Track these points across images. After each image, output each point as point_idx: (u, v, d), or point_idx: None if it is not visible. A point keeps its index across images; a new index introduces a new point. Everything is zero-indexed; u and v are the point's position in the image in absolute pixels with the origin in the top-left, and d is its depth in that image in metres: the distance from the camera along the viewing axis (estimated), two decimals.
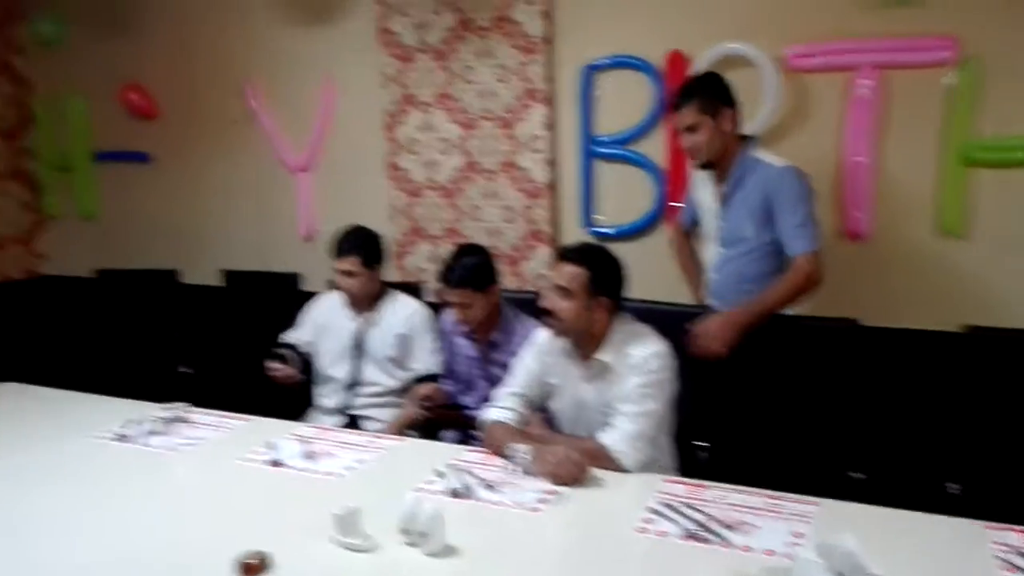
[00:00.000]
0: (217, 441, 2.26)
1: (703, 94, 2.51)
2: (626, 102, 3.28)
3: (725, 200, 2.58)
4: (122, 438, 2.26)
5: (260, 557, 1.50)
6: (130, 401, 2.58)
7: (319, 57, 3.85)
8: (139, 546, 1.67)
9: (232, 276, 3.63)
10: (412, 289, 3.03)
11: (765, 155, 2.53)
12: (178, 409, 2.31)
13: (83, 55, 4.36)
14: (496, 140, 3.53)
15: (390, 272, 3.22)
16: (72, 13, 4.30)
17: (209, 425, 2.37)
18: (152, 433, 2.27)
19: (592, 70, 3.33)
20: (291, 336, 2.90)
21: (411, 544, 1.59)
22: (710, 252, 2.71)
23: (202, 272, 3.83)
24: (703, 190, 2.70)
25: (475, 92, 3.53)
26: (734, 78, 2.69)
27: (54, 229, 4.70)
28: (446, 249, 3.49)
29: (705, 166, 2.60)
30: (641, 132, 3.27)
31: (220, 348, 3.54)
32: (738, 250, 2.58)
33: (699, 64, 3.06)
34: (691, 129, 2.50)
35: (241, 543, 1.55)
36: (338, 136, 3.89)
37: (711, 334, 2.38)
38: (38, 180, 4.65)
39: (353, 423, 2.74)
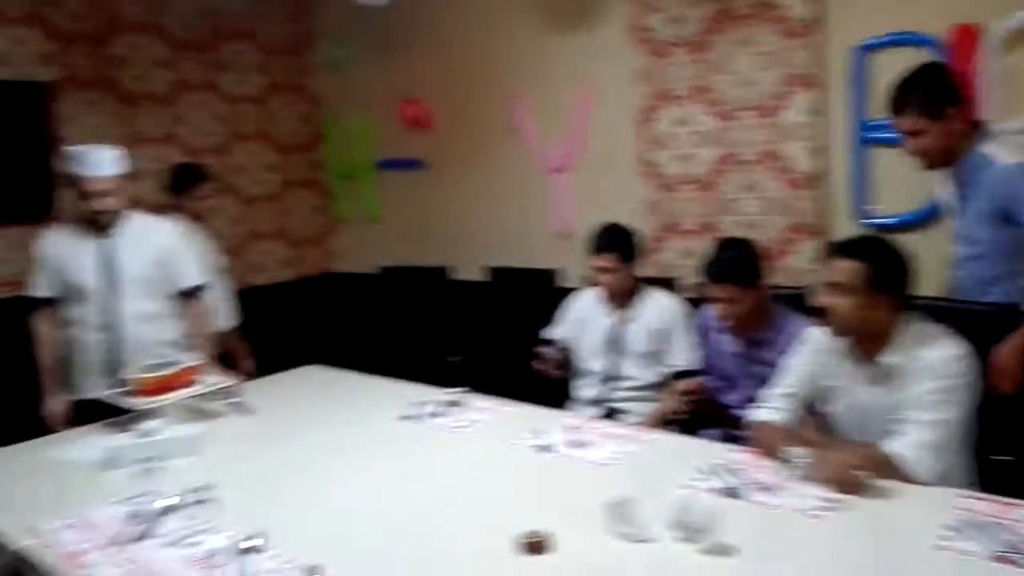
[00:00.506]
0: (491, 424, 2.42)
1: (925, 95, 2.26)
2: None
3: (960, 201, 2.34)
4: (408, 418, 2.49)
5: (543, 537, 1.58)
6: (414, 384, 2.84)
7: (576, 62, 3.96)
8: (423, 519, 1.82)
9: (496, 272, 3.86)
10: (667, 284, 3.02)
11: (997, 149, 2.23)
12: (459, 394, 2.50)
13: (366, 75, 4.86)
14: (755, 130, 3.41)
15: (644, 268, 3.23)
16: (356, 38, 4.82)
17: (483, 409, 2.54)
18: (434, 415, 2.48)
19: (865, 50, 3.09)
20: (552, 332, 3.01)
21: (684, 539, 1.59)
22: (953, 248, 2.45)
23: (469, 268, 4.11)
24: (945, 186, 2.46)
25: (732, 82, 3.43)
26: None
27: (344, 231, 5.30)
28: (700, 244, 3.44)
29: (932, 167, 2.36)
30: None
31: (486, 338, 3.78)
32: (974, 251, 2.33)
33: (991, 37, 2.73)
34: (914, 134, 2.27)
35: (516, 522, 1.64)
36: (593, 136, 3.97)
37: (999, 370, 2.14)
38: (328, 188, 5.26)
39: (611, 415, 2.79)
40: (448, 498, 1.93)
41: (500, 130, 4.31)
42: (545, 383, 2.87)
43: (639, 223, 3.54)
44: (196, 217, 3.59)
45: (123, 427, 2.39)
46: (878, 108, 3.10)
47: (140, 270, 2.74)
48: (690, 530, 1.58)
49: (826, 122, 3.25)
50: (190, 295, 2.91)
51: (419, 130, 4.65)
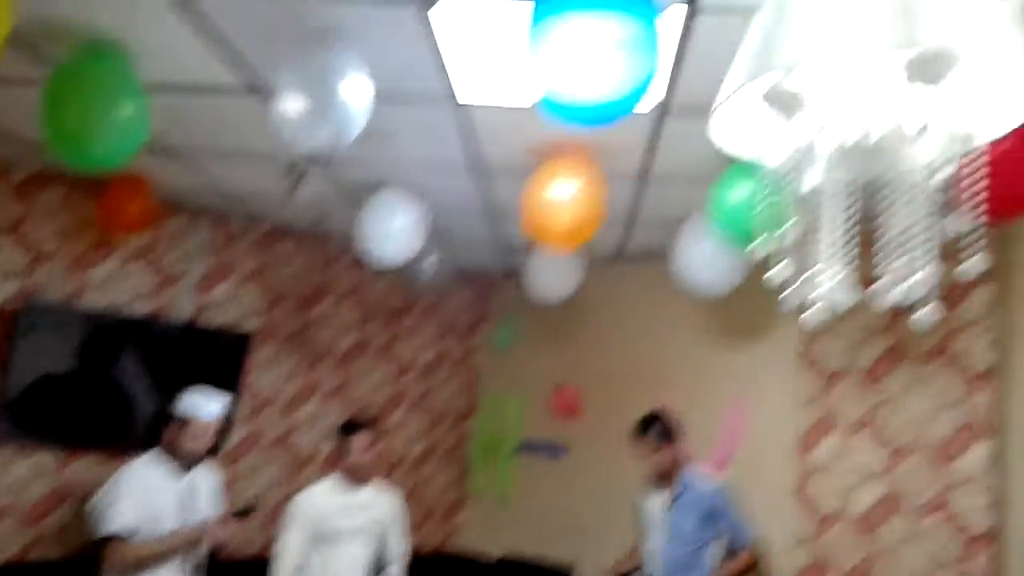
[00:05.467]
0: None
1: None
2: None
3: None
4: None
5: None
6: None
7: (734, 375, 3.96)
8: None
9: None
10: None
11: None
12: None
13: (526, 358, 5.08)
14: (925, 474, 3.17)
15: None
16: (524, 324, 5.13)
17: None
18: None
19: None
20: None
21: None
22: None
23: (594, 567, 3.85)
24: None
25: (904, 421, 3.28)
26: None
27: (475, 506, 5.22)
28: None
29: None
30: None
31: None
32: None
33: None
34: None
35: None
36: (744, 456, 3.83)
37: None
38: (468, 461, 5.30)
39: None
40: None
41: None
42: None
43: (786, 557, 3.28)
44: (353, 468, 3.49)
45: None
46: None
47: (214, 510, 2.98)
48: None
49: (1003, 473, 2.99)
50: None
51: (568, 418, 4.71)
